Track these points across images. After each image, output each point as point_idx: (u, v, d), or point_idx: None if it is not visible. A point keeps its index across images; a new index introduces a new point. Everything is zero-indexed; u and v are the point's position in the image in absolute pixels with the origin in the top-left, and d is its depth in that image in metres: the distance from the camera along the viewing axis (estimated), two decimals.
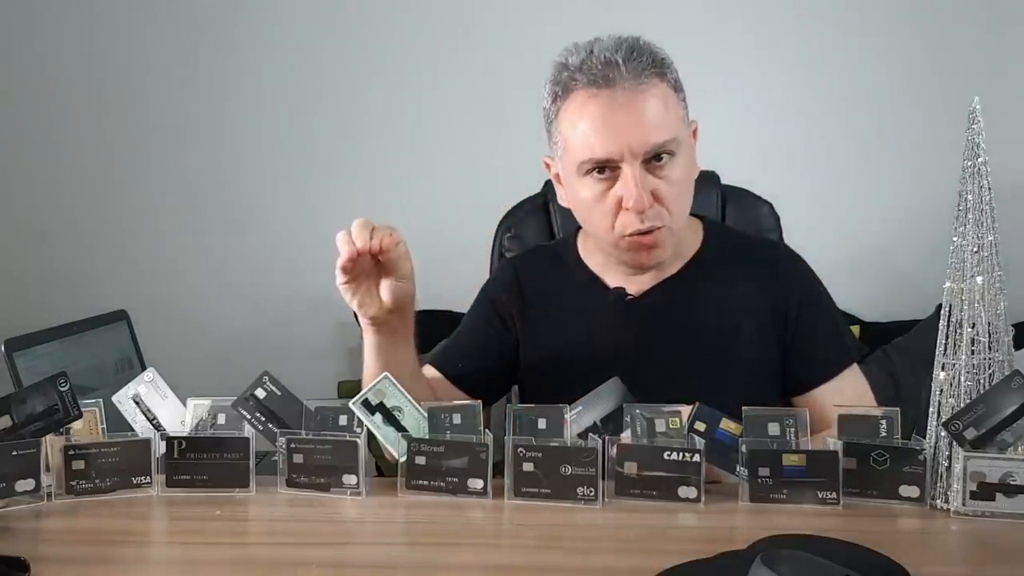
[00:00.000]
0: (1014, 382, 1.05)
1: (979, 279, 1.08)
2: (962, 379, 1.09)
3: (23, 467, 1.12)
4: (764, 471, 1.11)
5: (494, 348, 1.48)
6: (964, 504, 1.06)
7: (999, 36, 2.66)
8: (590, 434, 1.16)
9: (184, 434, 1.19)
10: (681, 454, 1.11)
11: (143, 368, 1.46)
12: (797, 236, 1.66)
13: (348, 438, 1.16)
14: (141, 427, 1.22)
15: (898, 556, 0.88)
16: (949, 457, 1.08)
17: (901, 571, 0.85)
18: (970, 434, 1.06)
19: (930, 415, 1.11)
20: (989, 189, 1.07)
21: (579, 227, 1.50)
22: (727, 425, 1.15)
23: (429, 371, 1.46)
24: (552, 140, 1.37)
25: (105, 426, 1.21)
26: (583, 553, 1.00)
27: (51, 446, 1.15)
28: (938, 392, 1.10)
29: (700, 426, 1.14)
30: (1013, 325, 1.12)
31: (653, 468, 1.12)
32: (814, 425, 1.16)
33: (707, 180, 1.67)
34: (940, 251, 1.13)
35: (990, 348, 1.09)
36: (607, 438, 1.13)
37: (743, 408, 1.15)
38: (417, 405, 1.18)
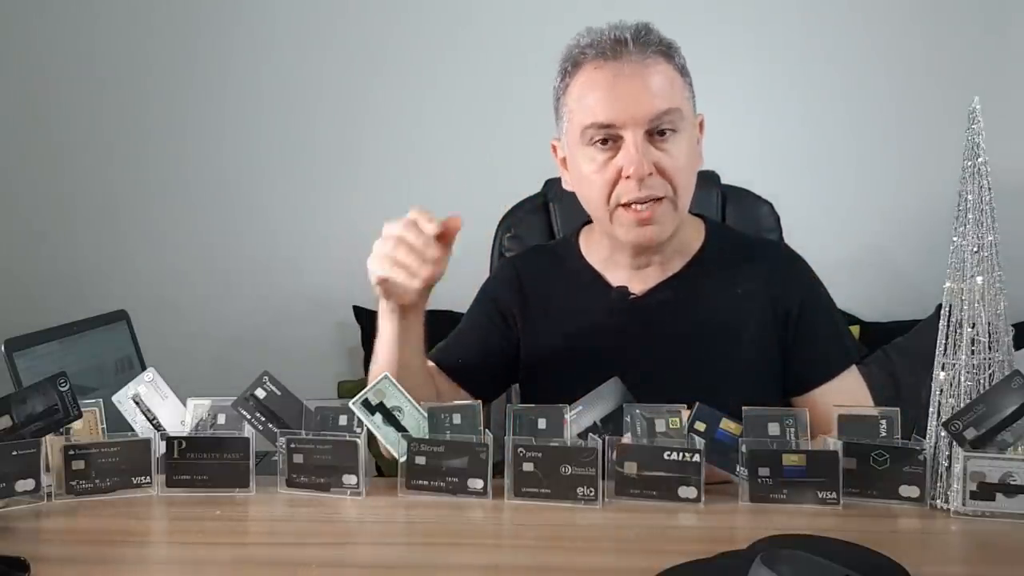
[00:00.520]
0: (1014, 382, 1.05)
1: (979, 279, 1.08)
2: (962, 379, 1.09)
3: (23, 467, 1.12)
4: (764, 471, 1.11)
5: (495, 344, 1.47)
6: (964, 504, 1.06)
7: (999, 36, 2.66)
8: (590, 434, 1.16)
9: (184, 434, 1.19)
10: (681, 454, 1.11)
11: (143, 368, 1.46)
12: (797, 236, 1.66)
13: (348, 438, 1.16)
14: (141, 427, 1.22)
15: (898, 556, 0.88)
16: (949, 457, 1.08)
17: (901, 571, 0.85)
18: (970, 434, 1.06)
19: (930, 415, 1.11)
20: (989, 189, 1.07)
21: (580, 226, 1.50)
22: (727, 425, 1.15)
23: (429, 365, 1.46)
24: (559, 116, 1.38)
25: (105, 426, 1.21)
26: (583, 553, 1.00)
27: (51, 446, 1.15)
28: (938, 392, 1.10)
29: (700, 426, 1.14)
30: (1013, 325, 1.12)
31: (653, 468, 1.12)
32: (812, 425, 1.16)
33: (707, 180, 1.67)
34: (940, 251, 1.13)
35: (990, 348, 1.09)
36: (607, 438, 1.13)
37: (743, 408, 1.15)
38: (417, 405, 1.18)
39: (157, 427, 1.22)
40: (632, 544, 1.02)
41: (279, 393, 1.21)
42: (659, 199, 1.31)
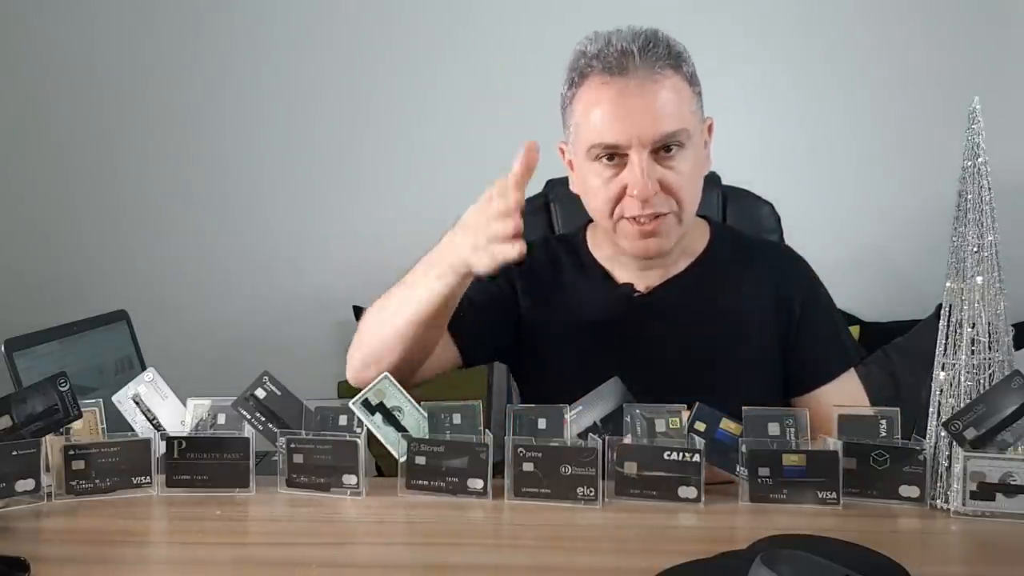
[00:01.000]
0: (1014, 382, 1.05)
1: (979, 279, 1.08)
2: (962, 379, 1.09)
3: (23, 467, 1.12)
4: (764, 471, 1.11)
5: (496, 299, 1.44)
6: (964, 504, 1.06)
7: (999, 36, 2.66)
8: (590, 434, 1.16)
9: (184, 434, 1.19)
10: (681, 454, 1.11)
11: (143, 368, 1.46)
12: (798, 236, 1.66)
13: (348, 438, 1.16)
14: (141, 427, 1.22)
15: (898, 556, 0.88)
16: (949, 457, 1.08)
17: (901, 571, 0.85)
18: (970, 434, 1.06)
19: (930, 415, 1.11)
20: (989, 189, 1.07)
21: (586, 223, 1.50)
22: (727, 425, 1.15)
23: None
24: (566, 125, 1.38)
25: (105, 426, 1.21)
26: (583, 553, 1.00)
27: (51, 446, 1.15)
28: (938, 392, 1.10)
29: (700, 426, 1.14)
30: (1013, 325, 1.12)
31: (653, 468, 1.12)
32: (811, 427, 1.16)
33: (708, 180, 1.65)
34: (940, 251, 1.13)
35: (990, 348, 1.09)
36: (607, 438, 1.13)
37: (743, 408, 1.15)
38: (417, 405, 1.18)
39: (157, 427, 1.22)
40: (632, 544, 1.02)
41: (279, 393, 1.21)
42: (663, 214, 1.32)
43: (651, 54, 1.29)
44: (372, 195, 2.77)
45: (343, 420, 1.19)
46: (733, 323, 1.40)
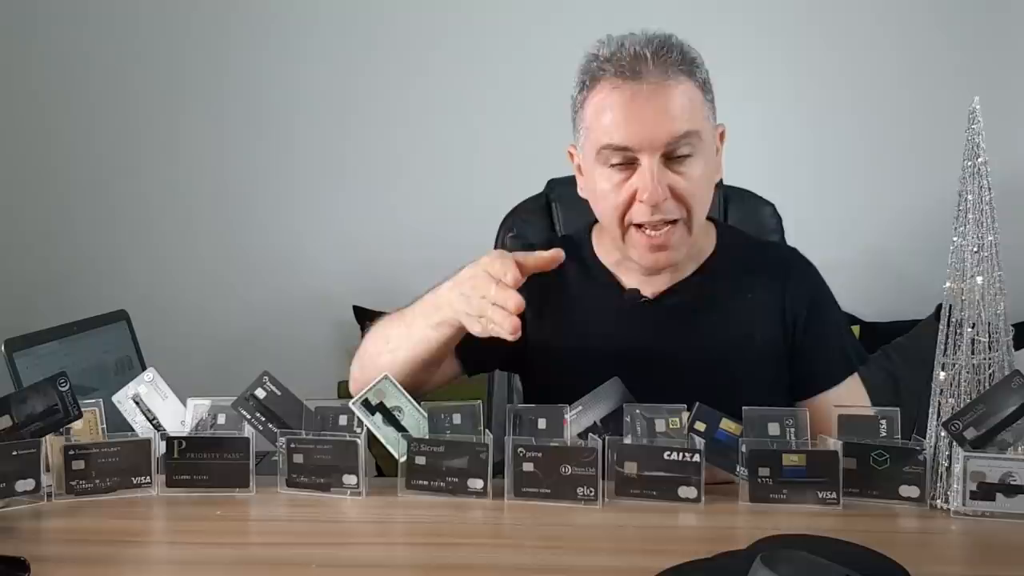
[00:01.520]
0: (1014, 382, 1.05)
1: (979, 279, 1.08)
2: (962, 379, 1.09)
3: (23, 467, 1.12)
4: (764, 471, 1.11)
5: None
6: (964, 504, 1.06)
7: (999, 36, 2.66)
8: (590, 434, 1.16)
9: (184, 434, 1.19)
10: (681, 454, 1.11)
11: (143, 368, 1.46)
12: (798, 236, 1.66)
13: (348, 438, 1.16)
14: (141, 427, 1.22)
15: (898, 556, 0.88)
16: (949, 457, 1.08)
17: (901, 571, 0.85)
18: (970, 434, 1.06)
19: (930, 415, 1.11)
20: (989, 189, 1.07)
21: (591, 225, 1.50)
22: (727, 425, 1.14)
23: None
24: (576, 128, 1.37)
25: (105, 426, 1.21)
26: (583, 553, 1.00)
27: (51, 446, 1.15)
28: (938, 392, 1.10)
29: (700, 426, 1.14)
30: (1013, 325, 1.12)
31: (653, 468, 1.12)
32: (812, 430, 1.16)
33: None
34: (940, 251, 1.13)
35: (990, 348, 1.09)
36: (607, 438, 1.13)
37: (743, 408, 1.15)
38: (417, 405, 1.18)
39: (157, 427, 1.22)
40: (632, 544, 1.02)
41: (279, 393, 1.21)
42: (673, 221, 1.31)
43: (664, 59, 1.28)
44: (372, 195, 2.77)
45: (343, 420, 1.19)
46: (741, 326, 1.40)
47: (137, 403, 1.22)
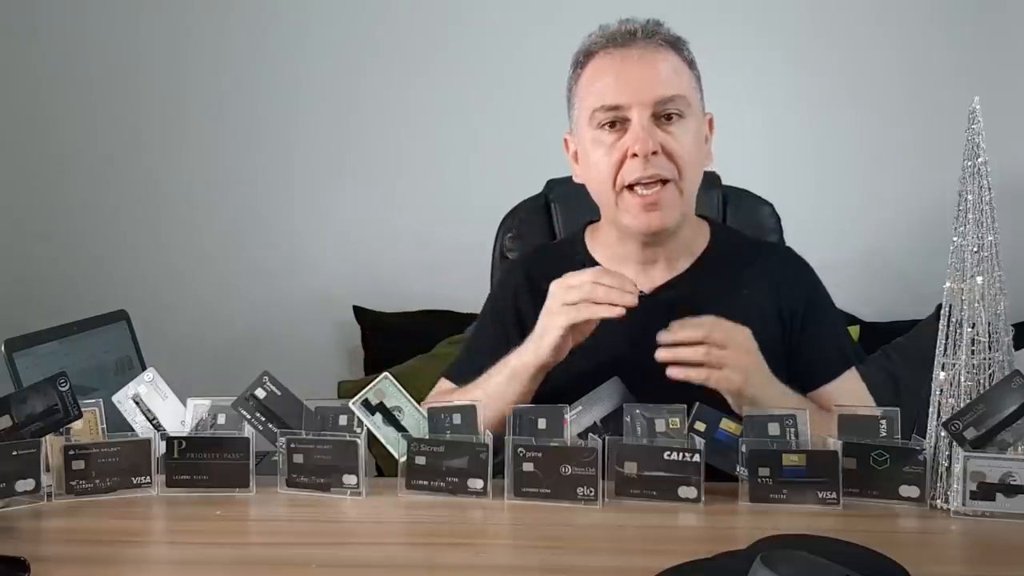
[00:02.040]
0: (1014, 382, 1.05)
1: (979, 279, 1.08)
2: (962, 379, 1.09)
3: (23, 467, 1.12)
4: (764, 471, 1.11)
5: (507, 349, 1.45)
6: (964, 504, 1.06)
7: (999, 36, 2.66)
8: (590, 434, 1.16)
9: (184, 434, 1.19)
10: (681, 454, 1.11)
11: (143, 368, 1.46)
12: (797, 237, 1.66)
13: (348, 438, 1.16)
14: (141, 427, 1.22)
15: (898, 556, 0.88)
16: (949, 457, 1.08)
17: (901, 571, 0.85)
18: (970, 434, 1.06)
19: (930, 415, 1.11)
20: (989, 189, 1.07)
21: (586, 224, 1.50)
22: (727, 425, 1.15)
23: (445, 384, 1.46)
24: (571, 107, 1.41)
25: (105, 426, 1.21)
26: (583, 553, 1.00)
27: (51, 446, 1.15)
28: (938, 392, 1.10)
29: (700, 426, 1.14)
30: (1013, 325, 1.12)
31: (653, 468, 1.12)
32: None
33: (708, 181, 1.65)
34: (940, 251, 1.13)
35: (990, 348, 1.09)
36: (607, 438, 1.13)
37: (743, 408, 1.15)
38: (417, 405, 1.18)
39: (157, 427, 1.22)
40: (632, 544, 1.02)
41: (279, 393, 1.21)
42: (665, 181, 1.33)
43: (653, 35, 1.36)
44: (372, 196, 2.77)
45: (343, 420, 1.19)
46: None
47: (137, 403, 1.22)
